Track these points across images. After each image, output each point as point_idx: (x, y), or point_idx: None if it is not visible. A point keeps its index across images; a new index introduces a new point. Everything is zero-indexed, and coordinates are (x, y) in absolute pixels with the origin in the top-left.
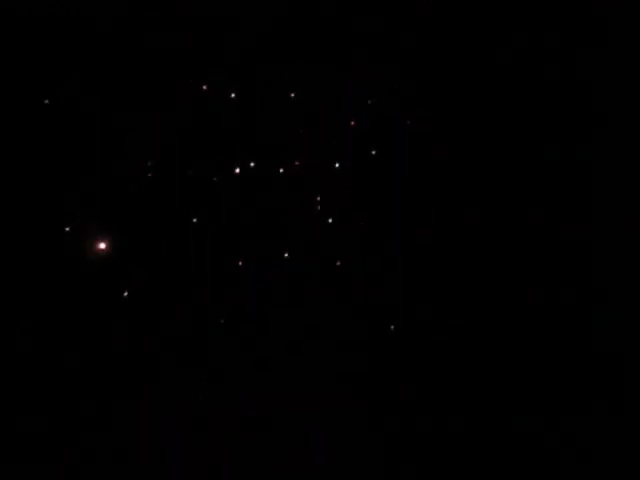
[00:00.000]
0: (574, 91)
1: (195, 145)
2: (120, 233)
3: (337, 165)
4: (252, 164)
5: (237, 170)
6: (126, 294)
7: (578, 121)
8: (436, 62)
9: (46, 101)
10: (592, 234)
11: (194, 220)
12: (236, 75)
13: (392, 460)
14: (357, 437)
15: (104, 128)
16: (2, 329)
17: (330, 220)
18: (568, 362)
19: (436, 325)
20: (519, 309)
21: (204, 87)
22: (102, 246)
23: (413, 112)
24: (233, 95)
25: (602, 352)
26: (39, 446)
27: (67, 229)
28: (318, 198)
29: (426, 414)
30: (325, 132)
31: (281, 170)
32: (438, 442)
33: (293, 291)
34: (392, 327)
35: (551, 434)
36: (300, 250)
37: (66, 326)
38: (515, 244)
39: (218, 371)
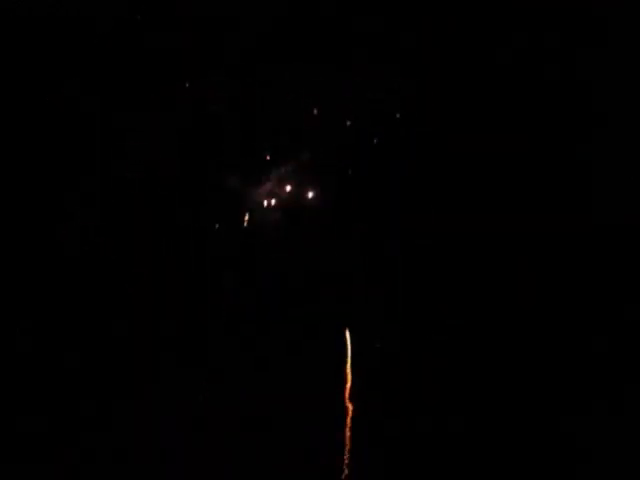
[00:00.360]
0: (574, 91)
1: (195, 145)
2: (120, 233)
3: (337, 165)
4: (252, 163)
5: (237, 169)
6: (126, 294)
7: (578, 121)
8: (436, 62)
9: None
10: (592, 234)
11: (194, 220)
12: (236, 75)
13: (392, 460)
14: (357, 437)
15: (104, 128)
16: (2, 329)
17: (330, 220)
18: (568, 362)
19: (436, 325)
20: (519, 309)
21: (204, 87)
22: (102, 246)
23: (413, 112)
24: (233, 95)
25: (602, 352)
26: (39, 446)
27: (67, 229)
28: (318, 198)
29: (426, 414)
30: (325, 132)
31: (281, 169)
32: (438, 442)
33: (293, 291)
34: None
35: (551, 434)
36: (300, 250)
37: (66, 326)
38: (515, 244)
39: (218, 371)
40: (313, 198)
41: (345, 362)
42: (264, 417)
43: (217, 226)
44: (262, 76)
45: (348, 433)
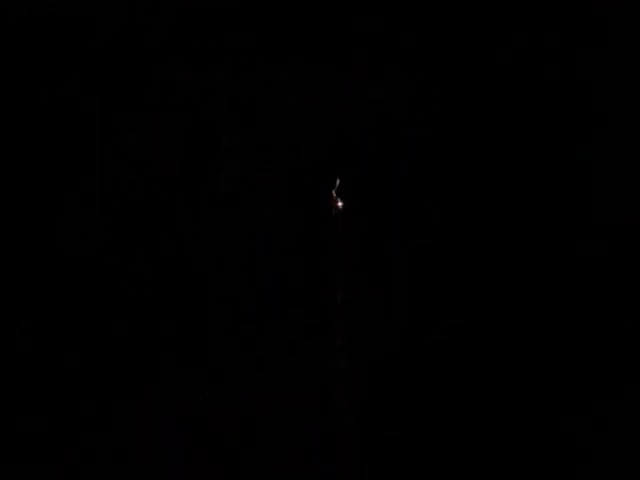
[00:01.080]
0: (574, 91)
1: (195, 145)
2: (120, 233)
3: (336, 164)
4: (251, 163)
5: (237, 169)
6: (126, 294)
7: (578, 121)
8: (436, 62)
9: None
10: (592, 234)
11: (194, 220)
12: (236, 75)
13: (392, 460)
14: (357, 437)
15: (104, 128)
16: (2, 329)
17: (329, 220)
18: (568, 362)
19: (436, 325)
20: (519, 309)
21: (203, 86)
22: (102, 246)
23: (413, 112)
24: (233, 95)
25: (602, 352)
26: (39, 446)
27: (67, 229)
28: (317, 197)
29: (426, 414)
30: (325, 132)
31: (280, 169)
32: (438, 442)
33: (293, 291)
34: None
35: (551, 434)
36: (299, 249)
37: (66, 326)
38: (515, 244)
39: (218, 371)
40: (313, 198)
41: (345, 362)
42: (264, 417)
43: (217, 226)
44: (262, 76)
45: (348, 433)
